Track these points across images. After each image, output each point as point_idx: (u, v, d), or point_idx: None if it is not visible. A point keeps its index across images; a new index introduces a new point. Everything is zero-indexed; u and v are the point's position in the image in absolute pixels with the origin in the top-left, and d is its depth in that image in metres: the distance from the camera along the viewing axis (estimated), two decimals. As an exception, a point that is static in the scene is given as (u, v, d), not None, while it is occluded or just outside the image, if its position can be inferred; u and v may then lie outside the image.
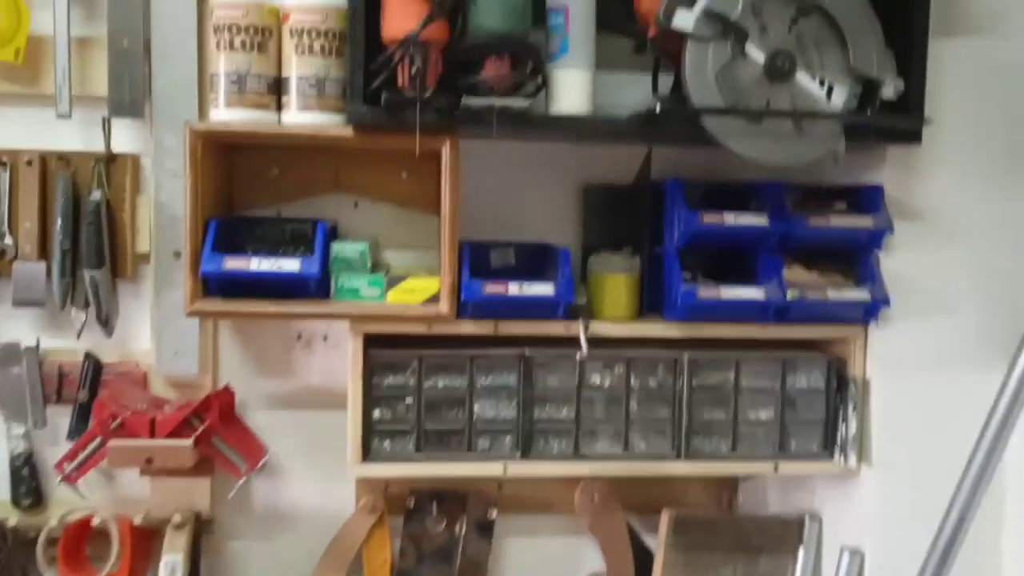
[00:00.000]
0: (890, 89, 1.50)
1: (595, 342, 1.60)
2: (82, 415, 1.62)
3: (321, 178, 1.67)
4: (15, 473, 1.63)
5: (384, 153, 1.63)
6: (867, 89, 1.50)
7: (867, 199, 1.65)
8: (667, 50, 1.49)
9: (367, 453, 1.59)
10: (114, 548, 1.57)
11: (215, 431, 1.56)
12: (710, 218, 1.58)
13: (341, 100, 1.48)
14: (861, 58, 1.48)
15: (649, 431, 1.67)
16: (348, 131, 1.47)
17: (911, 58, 1.53)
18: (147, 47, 1.59)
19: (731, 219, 1.59)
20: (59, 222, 1.58)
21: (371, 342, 1.58)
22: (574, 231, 1.76)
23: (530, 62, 1.43)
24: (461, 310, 1.55)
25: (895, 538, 1.65)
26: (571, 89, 1.48)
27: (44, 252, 1.60)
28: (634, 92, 1.60)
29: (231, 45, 1.47)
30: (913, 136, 1.55)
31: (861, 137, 1.52)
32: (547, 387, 1.64)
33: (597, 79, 1.51)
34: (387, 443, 1.61)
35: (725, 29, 1.43)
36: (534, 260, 1.68)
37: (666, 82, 1.58)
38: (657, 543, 1.78)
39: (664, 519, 1.76)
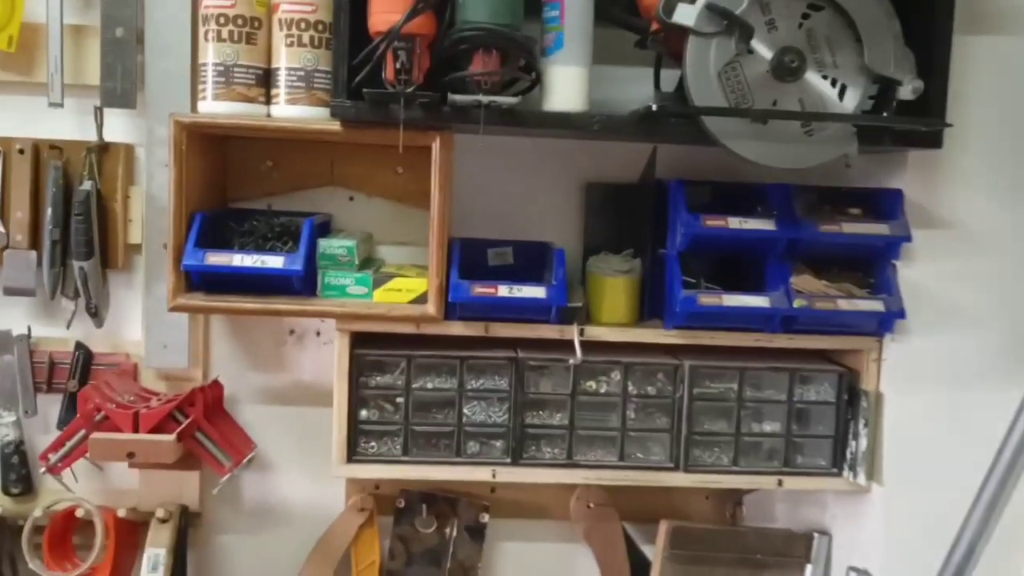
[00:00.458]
0: (908, 90, 1.41)
1: (593, 346, 1.55)
2: (71, 405, 1.61)
3: (315, 171, 1.64)
4: (5, 461, 1.64)
5: (379, 147, 1.58)
6: (883, 90, 1.42)
7: (885, 204, 1.58)
8: (670, 45, 1.43)
9: (352, 453, 1.57)
10: (98, 539, 1.57)
11: (199, 426, 1.54)
12: (713, 221, 1.51)
13: (329, 94, 1.44)
14: (877, 56, 1.39)
15: (646, 440, 1.63)
16: (336, 125, 1.44)
17: (932, 57, 1.44)
18: (140, 37, 1.56)
19: (735, 223, 1.52)
20: (49, 212, 1.56)
21: (360, 341, 1.56)
22: (576, 230, 1.71)
23: (521, 58, 1.37)
24: (449, 311, 1.51)
25: (903, 560, 1.59)
26: (566, 85, 1.42)
27: (36, 241, 1.59)
28: (636, 87, 1.55)
29: (219, 36, 1.44)
30: (933, 140, 1.47)
31: (876, 141, 1.44)
32: (540, 391, 1.60)
33: (597, 73, 1.44)
34: (373, 444, 1.59)
35: (729, 25, 1.36)
36: (533, 260, 1.65)
37: (670, 78, 1.51)
38: (655, 554, 1.72)
39: (662, 530, 1.71)
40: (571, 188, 1.71)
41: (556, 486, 1.67)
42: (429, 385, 1.58)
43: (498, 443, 1.60)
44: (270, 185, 1.64)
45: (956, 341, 1.57)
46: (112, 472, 1.68)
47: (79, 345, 1.64)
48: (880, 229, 1.54)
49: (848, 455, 1.62)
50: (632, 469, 1.61)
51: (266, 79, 1.47)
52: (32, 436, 1.66)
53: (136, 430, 1.51)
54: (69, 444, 1.53)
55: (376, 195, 1.67)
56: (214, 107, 1.45)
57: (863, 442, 1.60)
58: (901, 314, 1.54)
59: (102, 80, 1.55)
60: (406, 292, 1.51)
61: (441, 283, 1.48)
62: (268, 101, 1.48)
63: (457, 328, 1.53)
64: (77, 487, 1.60)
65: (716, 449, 1.63)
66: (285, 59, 1.45)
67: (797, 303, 1.52)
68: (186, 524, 1.67)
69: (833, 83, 1.41)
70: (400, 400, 1.57)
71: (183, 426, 1.52)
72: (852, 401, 1.62)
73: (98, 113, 1.58)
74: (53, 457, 1.54)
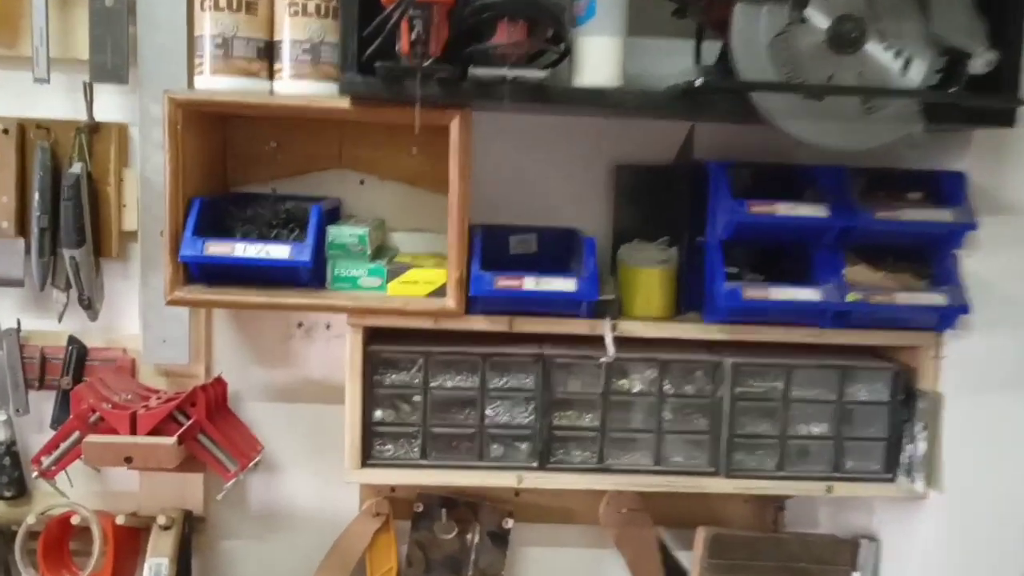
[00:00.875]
0: (980, 62, 1.27)
1: (625, 342, 1.44)
2: (65, 403, 1.52)
3: (323, 153, 1.54)
4: (-4, 462, 1.54)
5: (392, 126, 1.48)
6: (952, 63, 1.28)
7: (947, 188, 1.46)
8: (712, 14, 1.29)
9: (367, 457, 1.47)
10: (96, 547, 1.46)
11: (202, 427, 1.44)
12: (759, 208, 1.40)
13: (337, 68, 1.32)
14: (945, 26, 1.26)
15: (685, 443, 1.52)
16: (345, 103, 1.32)
17: (1006, 26, 1.29)
18: (132, 6, 1.45)
19: (784, 209, 1.41)
20: (37, 197, 1.46)
21: (373, 336, 1.45)
22: (604, 216, 1.59)
23: (550, 27, 1.24)
24: (470, 305, 1.40)
25: (963, 571, 1.49)
26: (598, 58, 1.29)
27: (23, 228, 1.49)
28: (673, 61, 1.42)
29: (216, 4, 1.32)
30: (1005, 118, 1.33)
31: (943, 119, 1.30)
32: (568, 391, 1.49)
33: (630, 46, 1.32)
34: (389, 447, 1.49)
35: (782, -11, 1.22)
36: (559, 247, 1.54)
37: (711, 50, 1.37)
38: (691, 562, 1.62)
39: (700, 537, 1.61)
40: (599, 170, 1.59)
41: (585, 489, 1.55)
42: (448, 384, 1.47)
43: (524, 446, 1.49)
44: (274, 168, 1.54)
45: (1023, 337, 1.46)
46: (111, 475, 1.59)
47: (72, 339, 1.54)
48: (942, 216, 1.42)
49: (903, 459, 1.51)
50: (669, 474, 1.50)
51: (269, 52, 1.36)
52: (24, 436, 1.57)
53: (134, 432, 1.41)
54: (62, 447, 1.44)
55: (389, 178, 1.56)
56: (212, 83, 1.34)
57: (921, 446, 1.48)
58: (964, 309, 1.42)
59: (91, 53, 1.44)
60: (423, 284, 1.40)
61: (461, 275, 1.36)
62: (271, 76, 1.36)
63: (479, 323, 1.43)
64: (73, 491, 1.50)
65: (760, 452, 1.52)
66: (289, 30, 1.33)
67: (851, 297, 1.41)
68: (190, 529, 1.57)
69: (896, 55, 1.27)
70: (417, 399, 1.47)
71: (184, 428, 1.42)
72: (908, 401, 1.51)
73: (88, 89, 1.48)
74: (46, 461, 1.44)
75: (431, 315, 1.40)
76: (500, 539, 1.63)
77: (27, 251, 1.49)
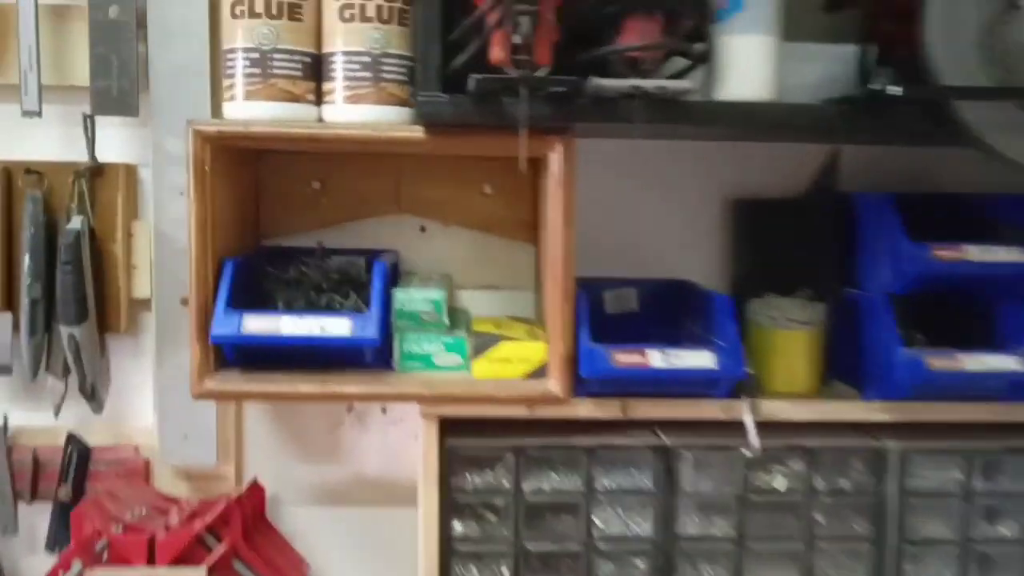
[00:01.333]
0: None
1: (764, 426, 1.18)
2: (64, 519, 1.31)
3: (377, 194, 1.33)
4: (-24, 594, 1.30)
5: (460, 160, 1.29)
6: None
7: None
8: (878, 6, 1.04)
9: (445, 583, 1.22)
10: None
11: (237, 552, 1.20)
12: (946, 253, 1.15)
13: (406, 87, 1.11)
14: None
15: (841, 553, 1.25)
16: (417, 132, 1.08)
17: None
18: (142, 18, 1.28)
19: (976, 254, 1.15)
20: (27, 260, 1.27)
21: (449, 426, 1.18)
22: (717, 262, 1.38)
23: (688, 23, 0.96)
24: (578, 387, 1.13)
25: None
26: (748, 64, 1.03)
27: (10, 301, 1.31)
28: (814, 69, 1.14)
29: (251, 10, 1.07)
30: None
31: None
32: (697, 491, 1.22)
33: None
34: (473, 569, 1.22)
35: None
36: (664, 304, 1.35)
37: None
38: None
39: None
40: (711, 206, 1.38)
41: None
42: (545, 486, 1.20)
43: (641, 562, 1.22)
44: (318, 214, 1.33)
45: None
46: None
47: (72, 438, 1.34)
48: None
49: (1118, 568, 1.21)
50: (823, 594, 1.23)
51: (316, 68, 1.11)
52: (14, 559, 1.35)
53: (152, 562, 1.19)
54: (62, 581, 1.17)
55: (455, 223, 1.36)
56: (246, 110, 1.08)
57: None
58: None
59: (92, 78, 1.26)
60: (518, 363, 1.13)
61: (568, 350, 1.07)
62: (319, 100, 1.11)
63: (585, 409, 1.16)
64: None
65: (937, 562, 1.24)
66: (342, 40, 1.09)
67: (1062, 365, 1.13)
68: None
69: None
70: (506, 507, 1.19)
71: (217, 556, 1.18)
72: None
73: (88, 123, 1.30)
74: (42, 600, 1.17)
75: (528, 401, 1.11)
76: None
77: (15, 329, 1.30)
